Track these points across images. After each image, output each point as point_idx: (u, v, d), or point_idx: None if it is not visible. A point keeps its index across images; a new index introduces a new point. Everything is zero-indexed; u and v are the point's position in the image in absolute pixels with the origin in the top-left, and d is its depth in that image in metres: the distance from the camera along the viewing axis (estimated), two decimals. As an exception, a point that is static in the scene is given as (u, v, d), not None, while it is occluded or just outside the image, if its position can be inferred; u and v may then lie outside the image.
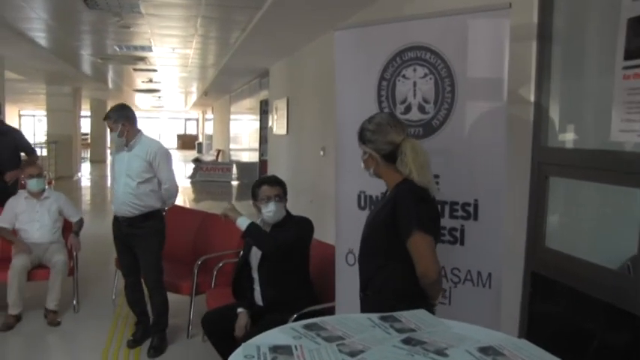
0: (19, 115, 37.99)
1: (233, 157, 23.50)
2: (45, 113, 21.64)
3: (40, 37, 10.76)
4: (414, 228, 2.73)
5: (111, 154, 5.55)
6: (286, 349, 1.87)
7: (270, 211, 4.21)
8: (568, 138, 3.67)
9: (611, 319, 3.12)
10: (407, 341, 1.97)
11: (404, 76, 3.72)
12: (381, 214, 2.96)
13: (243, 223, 4.13)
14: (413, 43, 3.68)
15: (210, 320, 4.33)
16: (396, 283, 2.83)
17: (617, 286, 2.96)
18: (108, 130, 5.11)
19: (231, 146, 24.54)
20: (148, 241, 5.00)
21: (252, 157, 18.20)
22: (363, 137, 2.98)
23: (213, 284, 5.32)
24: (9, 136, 7.03)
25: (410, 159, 2.81)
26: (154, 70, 16.29)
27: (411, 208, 2.77)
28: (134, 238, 5.02)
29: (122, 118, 4.93)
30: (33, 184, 6.02)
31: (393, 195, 2.91)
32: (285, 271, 4.17)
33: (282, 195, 4.27)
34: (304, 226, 4.32)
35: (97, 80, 18.68)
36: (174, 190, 5.06)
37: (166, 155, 5.02)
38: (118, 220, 5.10)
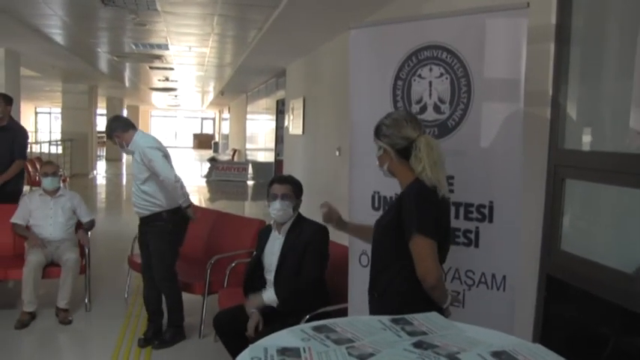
0: (35, 113, 38.30)
1: (249, 157, 23.54)
2: (61, 111, 21.73)
3: (57, 34, 10.80)
4: (414, 231, 2.69)
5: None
6: (294, 352, 1.85)
7: (275, 209, 4.19)
8: (585, 140, 3.61)
9: (626, 324, 3.08)
10: (418, 345, 1.94)
11: (420, 75, 3.69)
12: (389, 214, 2.95)
13: (270, 297, 4.11)
14: (429, 43, 3.64)
15: (222, 320, 4.31)
16: (401, 284, 2.80)
17: (632, 290, 2.91)
18: None
19: (248, 146, 24.57)
20: (155, 240, 5.08)
21: (268, 157, 18.20)
22: (378, 132, 2.95)
23: (225, 284, 5.30)
24: (11, 133, 6.85)
25: (424, 154, 2.77)
26: (171, 69, 16.32)
27: (414, 210, 2.73)
28: (147, 237, 5.14)
29: (114, 130, 5.09)
30: (47, 182, 6.07)
31: (401, 196, 2.88)
32: (300, 273, 4.16)
33: (291, 194, 4.24)
34: (322, 235, 4.26)
35: (113, 78, 18.78)
36: (171, 180, 4.90)
37: (153, 149, 4.98)
38: (139, 219, 5.24)
